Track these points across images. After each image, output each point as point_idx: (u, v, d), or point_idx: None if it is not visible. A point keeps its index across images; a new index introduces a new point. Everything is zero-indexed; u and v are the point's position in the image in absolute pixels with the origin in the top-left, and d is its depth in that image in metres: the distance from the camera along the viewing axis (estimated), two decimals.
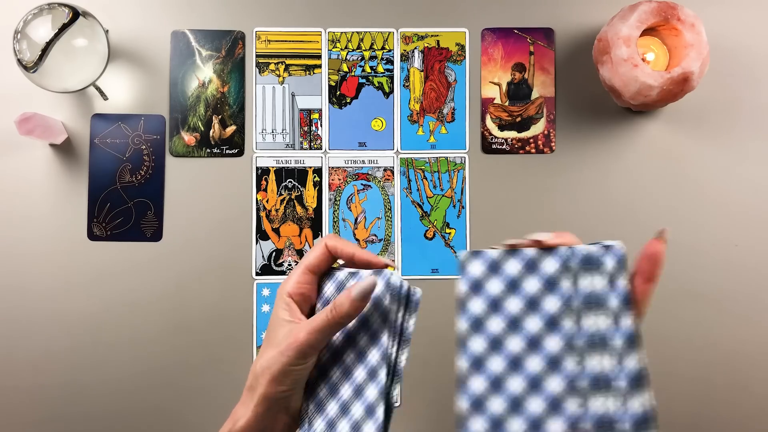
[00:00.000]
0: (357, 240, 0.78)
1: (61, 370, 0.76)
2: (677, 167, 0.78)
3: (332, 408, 0.46)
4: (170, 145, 0.78)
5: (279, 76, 0.79)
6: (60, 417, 0.76)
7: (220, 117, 0.79)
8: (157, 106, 0.79)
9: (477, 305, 0.41)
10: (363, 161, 0.79)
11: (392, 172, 0.79)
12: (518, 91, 0.79)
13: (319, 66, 0.79)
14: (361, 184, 0.79)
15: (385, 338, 0.45)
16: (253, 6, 0.79)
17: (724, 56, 0.78)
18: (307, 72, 0.79)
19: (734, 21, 0.79)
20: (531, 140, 0.79)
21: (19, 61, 0.68)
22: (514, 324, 0.40)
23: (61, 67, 0.70)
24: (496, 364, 0.40)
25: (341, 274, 0.48)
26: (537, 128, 0.79)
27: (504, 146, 0.79)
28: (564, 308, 0.40)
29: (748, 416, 0.76)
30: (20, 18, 0.69)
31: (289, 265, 0.78)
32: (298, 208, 0.79)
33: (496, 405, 0.40)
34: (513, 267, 0.41)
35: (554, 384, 0.39)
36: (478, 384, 0.40)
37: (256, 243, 0.78)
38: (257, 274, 0.78)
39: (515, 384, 0.40)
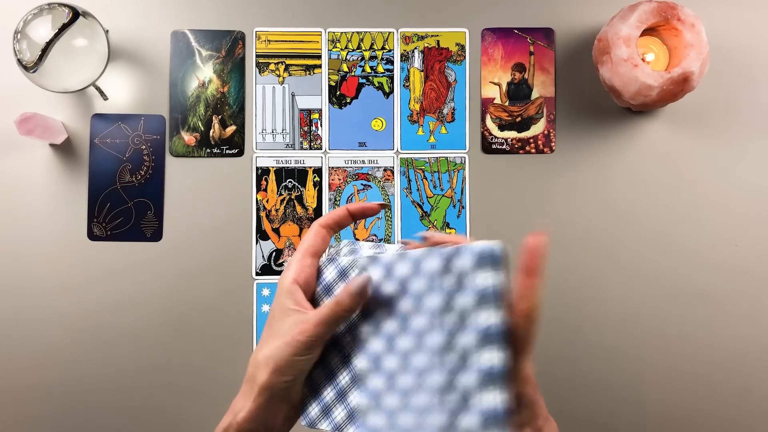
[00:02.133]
0: (357, 240, 0.78)
1: (61, 369, 0.76)
2: (677, 167, 0.78)
3: (329, 394, 0.46)
4: (170, 145, 0.78)
5: (279, 76, 0.79)
6: (60, 415, 0.76)
7: (220, 117, 0.79)
8: (157, 106, 0.79)
9: (378, 308, 0.46)
10: (363, 161, 0.79)
11: (392, 172, 0.79)
12: (518, 91, 0.79)
13: (319, 66, 0.79)
14: (361, 184, 0.79)
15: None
16: (253, 6, 0.79)
17: (724, 56, 0.78)
18: (307, 72, 0.79)
19: (734, 21, 0.79)
20: (531, 140, 0.79)
21: (19, 61, 0.68)
22: (404, 323, 0.44)
23: (61, 67, 0.70)
24: (391, 361, 0.44)
25: (341, 253, 0.48)
26: (537, 128, 0.79)
27: (504, 146, 0.79)
28: (446, 305, 0.41)
29: (749, 416, 0.76)
30: (20, 18, 0.69)
31: (289, 260, 0.78)
32: (298, 208, 0.79)
33: (391, 400, 0.43)
34: (403, 268, 0.44)
35: (436, 378, 0.41)
36: (376, 382, 0.45)
37: (256, 243, 0.78)
38: (257, 274, 0.78)
39: (404, 380, 0.43)
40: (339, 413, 0.45)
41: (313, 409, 0.46)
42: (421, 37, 0.80)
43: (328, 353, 0.47)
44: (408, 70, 0.79)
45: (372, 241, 0.79)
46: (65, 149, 0.78)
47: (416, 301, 0.43)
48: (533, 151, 0.79)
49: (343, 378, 0.46)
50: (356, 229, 0.79)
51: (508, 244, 0.40)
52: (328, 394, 0.46)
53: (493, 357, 0.38)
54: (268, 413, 0.45)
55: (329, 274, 0.47)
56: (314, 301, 0.48)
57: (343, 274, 0.47)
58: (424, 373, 0.41)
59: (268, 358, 0.44)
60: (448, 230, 0.78)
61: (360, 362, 0.45)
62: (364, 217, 0.49)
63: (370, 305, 0.45)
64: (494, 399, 0.38)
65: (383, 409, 0.43)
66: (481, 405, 0.38)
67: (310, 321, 0.44)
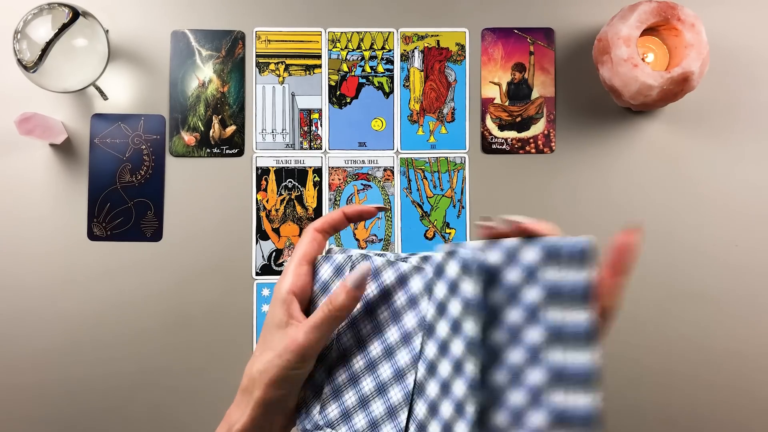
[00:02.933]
0: (357, 240, 0.78)
1: (60, 370, 0.76)
2: (677, 167, 0.78)
3: (350, 398, 0.45)
4: (170, 145, 0.78)
5: (279, 76, 0.79)
6: (60, 415, 0.76)
7: (220, 117, 0.79)
8: (157, 106, 0.79)
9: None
10: (363, 161, 0.79)
11: (392, 172, 0.79)
12: (518, 91, 0.79)
13: (319, 66, 0.79)
14: (361, 184, 0.79)
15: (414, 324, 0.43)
16: (253, 6, 0.79)
17: (724, 56, 0.78)
18: (307, 72, 0.79)
19: (734, 21, 0.79)
20: (531, 140, 0.79)
21: (19, 61, 0.68)
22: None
23: (61, 67, 0.70)
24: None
25: (337, 257, 0.47)
26: (537, 128, 0.79)
27: (504, 146, 0.79)
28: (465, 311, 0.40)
29: (748, 416, 0.76)
30: (20, 18, 0.69)
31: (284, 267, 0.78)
32: (298, 208, 0.79)
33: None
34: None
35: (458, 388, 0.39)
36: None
37: (256, 243, 0.78)
38: (257, 274, 0.78)
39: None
40: (360, 420, 0.45)
41: (333, 411, 0.45)
42: (421, 37, 0.80)
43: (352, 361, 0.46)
44: (408, 70, 0.79)
45: (372, 242, 0.79)
46: (65, 149, 0.78)
47: (513, 294, 0.40)
48: (533, 151, 0.79)
49: (367, 385, 0.45)
50: (356, 229, 0.79)
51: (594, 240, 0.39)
52: (350, 398, 0.45)
53: (593, 355, 0.38)
54: (264, 426, 0.44)
55: (324, 272, 0.47)
56: (312, 303, 0.47)
57: (337, 268, 0.46)
58: (522, 371, 0.39)
59: (263, 372, 0.43)
60: (447, 230, 0.78)
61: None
62: (361, 220, 0.48)
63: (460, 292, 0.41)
64: (593, 399, 0.37)
65: (507, 407, 0.40)
66: (576, 405, 0.37)
67: (302, 329, 0.43)
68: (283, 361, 0.42)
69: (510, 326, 0.39)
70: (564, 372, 0.38)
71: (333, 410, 0.45)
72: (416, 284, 0.43)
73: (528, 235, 0.40)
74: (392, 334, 0.44)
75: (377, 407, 0.44)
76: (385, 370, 0.44)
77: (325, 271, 0.47)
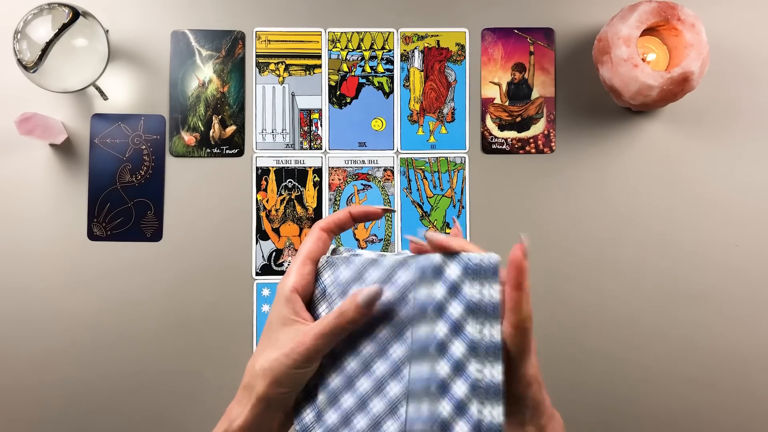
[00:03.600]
0: (357, 240, 0.78)
1: (60, 370, 0.76)
2: (677, 167, 0.78)
3: (348, 400, 0.45)
4: (170, 145, 0.78)
5: (279, 76, 0.79)
6: (60, 415, 0.76)
7: (220, 117, 0.79)
8: (157, 106, 0.79)
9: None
10: (363, 161, 0.79)
11: (392, 172, 0.79)
12: (518, 91, 0.79)
13: (319, 66, 0.79)
14: (361, 184, 0.79)
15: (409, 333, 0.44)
16: (253, 6, 0.79)
17: (724, 56, 0.78)
18: (307, 72, 0.79)
19: (734, 21, 0.79)
20: (531, 140, 0.79)
21: (19, 61, 0.68)
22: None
23: (61, 67, 0.70)
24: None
25: (338, 259, 0.47)
26: (537, 128, 0.79)
27: (504, 146, 0.79)
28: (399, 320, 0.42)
29: (748, 417, 0.76)
30: (20, 18, 0.69)
31: (289, 265, 0.78)
32: (298, 208, 0.79)
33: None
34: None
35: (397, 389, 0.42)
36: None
37: (256, 243, 0.78)
38: (257, 274, 0.78)
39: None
40: (331, 417, 0.45)
41: (331, 417, 0.46)
42: (421, 37, 0.80)
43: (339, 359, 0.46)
44: (408, 70, 0.79)
45: (372, 242, 0.79)
46: (65, 149, 0.78)
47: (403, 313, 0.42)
48: (533, 151, 0.79)
49: (363, 385, 0.45)
50: (356, 229, 0.79)
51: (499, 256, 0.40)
52: (347, 400, 0.45)
53: (494, 371, 0.39)
54: (264, 422, 0.44)
55: (327, 277, 0.47)
56: (312, 306, 0.47)
57: (339, 281, 0.46)
58: (387, 383, 0.42)
59: (266, 369, 0.43)
60: (447, 230, 0.78)
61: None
62: (366, 221, 0.48)
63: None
64: (497, 413, 0.38)
65: (340, 416, 0.43)
66: (482, 417, 0.38)
67: (310, 333, 0.43)
68: (290, 360, 0.43)
69: (438, 337, 0.41)
70: (478, 385, 0.39)
71: (331, 416, 0.45)
72: (402, 278, 0.44)
73: (448, 252, 0.42)
74: (384, 332, 0.44)
75: (376, 405, 0.44)
76: (380, 367, 0.44)
77: (327, 276, 0.47)
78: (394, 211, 0.47)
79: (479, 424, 0.38)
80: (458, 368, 0.39)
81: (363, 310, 0.43)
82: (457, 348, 0.39)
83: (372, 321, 0.45)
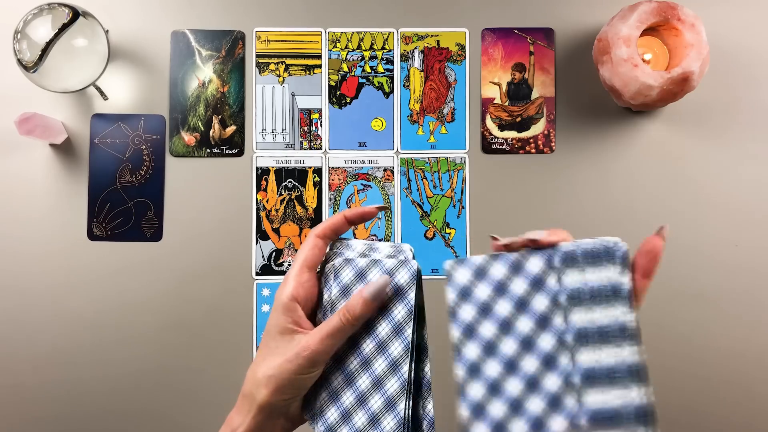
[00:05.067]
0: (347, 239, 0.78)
1: (60, 370, 0.76)
2: (677, 167, 0.78)
3: (347, 399, 0.45)
4: (170, 145, 0.78)
5: (279, 76, 0.79)
6: (60, 416, 0.76)
7: (220, 117, 0.79)
8: (157, 106, 0.79)
9: (467, 312, 0.41)
10: (363, 161, 0.79)
11: (392, 172, 0.79)
12: (518, 91, 0.79)
13: (319, 66, 0.79)
14: (361, 184, 0.79)
15: (405, 325, 0.44)
16: (253, 6, 0.79)
17: (724, 56, 0.78)
18: (307, 72, 0.79)
19: (734, 21, 0.79)
20: (531, 140, 0.79)
21: (19, 61, 0.68)
22: (506, 327, 0.41)
23: (61, 67, 0.70)
24: (492, 368, 0.40)
25: (338, 256, 0.47)
26: (537, 128, 0.79)
27: (504, 146, 0.79)
28: (553, 306, 0.40)
29: (748, 416, 0.76)
30: (20, 18, 0.69)
31: (289, 265, 0.78)
32: (298, 208, 0.79)
33: (497, 409, 0.40)
34: (498, 270, 0.41)
35: (551, 382, 0.39)
36: (476, 390, 0.40)
37: (256, 243, 0.78)
38: (257, 274, 0.78)
39: (513, 386, 0.40)
40: (360, 419, 0.45)
41: (332, 415, 0.45)
42: (421, 37, 0.80)
43: (356, 366, 0.46)
44: (408, 70, 0.79)
45: (372, 240, 0.78)
46: (65, 149, 0.78)
47: (517, 305, 0.41)
48: (533, 151, 0.79)
49: (363, 382, 0.45)
50: (356, 229, 0.79)
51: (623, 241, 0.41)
52: (348, 398, 0.45)
53: (642, 352, 0.39)
54: (266, 429, 0.44)
55: (329, 284, 0.47)
56: (316, 313, 0.47)
57: (345, 288, 0.46)
58: (536, 377, 0.40)
59: (269, 377, 0.43)
60: (447, 230, 0.78)
61: (458, 370, 0.43)
62: (362, 222, 0.48)
63: (456, 309, 0.42)
64: (643, 395, 0.38)
65: (489, 419, 0.40)
66: (634, 402, 0.38)
67: (315, 336, 0.43)
68: (294, 366, 0.42)
69: (521, 336, 0.40)
70: (608, 373, 0.38)
71: (332, 414, 0.45)
72: (402, 277, 0.44)
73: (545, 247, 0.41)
74: (383, 329, 0.44)
75: (375, 402, 0.44)
76: (380, 365, 0.44)
77: (329, 283, 0.47)
78: (388, 208, 0.48)
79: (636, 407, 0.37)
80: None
81: (371, 304, 0.43)
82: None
83: (371, 321, 0.45)
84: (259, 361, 0.44)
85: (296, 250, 0.78)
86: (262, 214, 0.78)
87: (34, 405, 0.76)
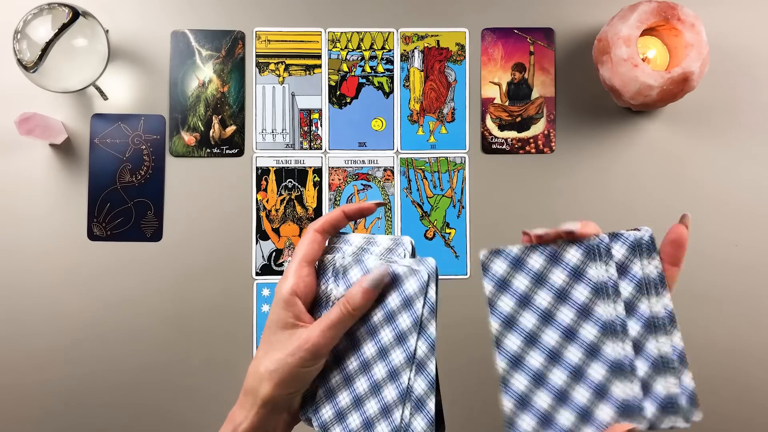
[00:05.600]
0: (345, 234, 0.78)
1: (61, 369, 0.76)
2: (677, 167, 0.78)
3: (345, 399, 0.45)
4: (170, 145, 0.78)
5: (279, 76, 0.79)
6: (60, 415, 0.76)
7: (220, 117, 0.79)
8: (157, 106, 0.79)
9: (506, 303, 0.41)
10: (363, 161, 0.79)
11: (392, 172, 0.79)
12: (518, 91, 0.79)
13: (319, 66, 0.79)
14: (361, 184, 0.79)
15: (408, 323, 0.44)
16: (253, 6, 0.79)
17: (724, 56, 0.78)
18: (307, 72, 0.79)
19: (734, 21, 0.79)
20: (531, 140, 0.79)
21: (19, 61, 0.68)
22: (547, 318, 0.41)
23: (61, 67, 0.70)
24: (535, 359, 0.40)
25: (335, 253, 0.47)
26: (537, 128, 0.79)
27: (504, 146, 0.79)
28: (593, 296, 0.40)
29: (749, 416, 0.76)
30: (20, 18, 0.69)
31: (286, 268, 0.78)
32: (298, 208, 0.79)
33: (542, 400, 0.40)
34: (536, 261, 0.41)
35: (596, 372, 0.39)
36: (519, 382, 0.40)
37: (256, 243, 0.78)
38: (257, 274, 0.78)
39: (557, 377, 0.40)
40: (354, 420, 0.45)
41: (327, 412, 0.45)
42: (421, 37, 0.80)
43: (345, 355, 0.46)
44: (408, 70, 0.79)
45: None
46: (65, 149, 0.78)
47: (557, 295, 0.41)
48: (533, 151, 0.79)
49: (361, 385, 0.45)
50: (356, 229, 0.79)
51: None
52: (344, 399, 0.45)
53: (682, 338, 0.40)
54: (269, 424, 0.44)
55: (327, 278, 0.47)
56: (315, 308, 0.47)
57: (337, 272, 0.46)
58: (581, 367, 0.40)
59: (272, 371, 0.43)
60: (447, 230, 0.78)
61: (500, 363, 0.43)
62: (361, 217, 0.48)
63: (495, 300, 0.42)
64: (690, 379, 0.39)
65: (535, 410, 0.40)
66: (683, 386, 0.39)
67: (316, 329, 0.43)
68: (296, 360, 0.43)
69: (563, 327, 0.41)
70: (663, 359, 0.40)
71: (327, 412, 0.45)
72: (411, 286, 0.44)
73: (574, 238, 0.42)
74: (386, 335, 0.44)
75: (371, 406, 0.44)
76: (380, 370, 0.44)
77: (327, 277, 0.47)
78: (386, 203, 0.48)
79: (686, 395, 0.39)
80: (638, 347, 0.40)
81: (370, 293, 0.43)
82: (633, 328, 0.40)
83: (367, 320, 0.45)
84: (260, 356, 0.44)
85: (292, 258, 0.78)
86: (262, 214, 0.78)
87: (34, 404, 0.76)
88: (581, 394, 0.39)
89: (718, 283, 0.77)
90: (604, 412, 0.39)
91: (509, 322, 0.41)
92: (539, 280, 0.41)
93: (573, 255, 0.41)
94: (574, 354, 0.40)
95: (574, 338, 0.40)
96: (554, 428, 0.39)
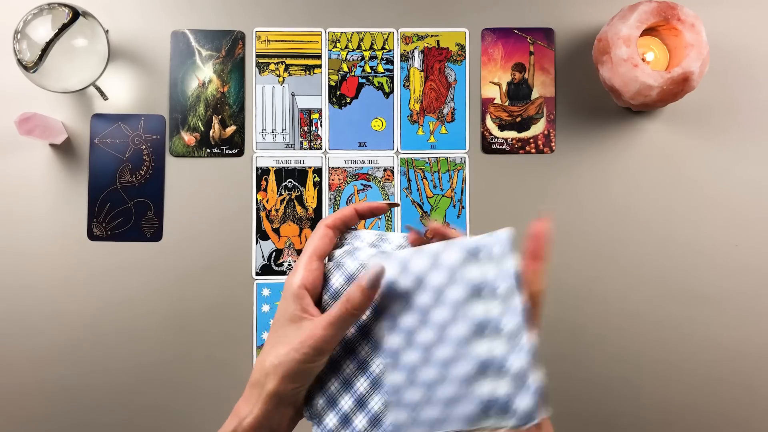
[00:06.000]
0: (357, 229, 0.78)
1: (61, 370, 0.76)
2: (677, 167, 0.78)
3: (346, 402, 0.45)
4: (170, 145, 0.78)
5: (279, 76, 0.79)
6: (60, 416, 0.76)
7: (220, 117, 0.79)
8: (157, 106, 0.79)
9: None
10: (363, 161, 0.79)
11: (392, 172, 0.79)
12: (518, 91, 0.79)
13: (319, 66, 0.79)
14: (361, 184, 0.79)
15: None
16: (253, 6, 0.79)
17: (724, 56, 0.78)
18: (307, 72, 0.79)
19: (734, 21, 0.79)
20: (531, 140, 0.79)
21: (19, 61, 0.68)
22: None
23: (61, 67, 0.70)
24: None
25: (343, 247, 0.48)
26: (537, 128, 0.79)
27: (504, 146, 0.79)
28: (433, 302, 0.42)
29: (749, 416, 0.76)
30: (20, 18, 0.69)
31: (289, 265, 0.78)
32: (298, 208, 0.79)
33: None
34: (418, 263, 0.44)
35: (361, 384, 0.44)
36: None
37: (256, 243, 0.78)
38: (257, 274, 0.78)
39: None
40: (360, 421, 0.45)
41: (330, 420, 0.45)
42: (421, 37, 0.80)
43: (342, 360, 0.46)
44: (408, 70, 0.79)
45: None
46: (65, 149, 0.78)
47: (436, 294, 0.42)
48: (533, 151, 0.79)
49: (362, 384, 0.45)
50: (356, 229, 0.78)
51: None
52: (346, 402, 0.45)
53: (531, 337, 0.40)
54: (275, 418, 0.44)
55: (336, 279, 0.47)
56: (321, 306, 0.47)
57: (351, 278, 0.46)
58: (449, 365, 0.41)
59: (277, 365, 0.43)
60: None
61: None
62: (372, 216, 0.49)
63: (384, 303, 0.44)
64: (540, 378, 0.39)
65: (405, 404, 0.42)
66: (534, 385, 0.39)
67: (319, 325, 0.43)
68: (300, 355, 0.43)
69: (437, 324, 0.42)
70: (491, 363, 0.40)
71: (331, 420, 0.45)
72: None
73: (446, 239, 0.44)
74: (379, 329, 0.45)
75: (375, 403, 0.44)
76: (377, 366, 0.44)
77: (337, 278, 0.47)
78: (398, 204, 0.49)
79: (535, 392, 0.39)
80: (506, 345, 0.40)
81: (368, 292, 0.43)
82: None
83: (375, 311, 0.45)
84: (267, 350, 0.45)
85: (296, 251, 0.78)
86: (262, 214, 0.78)
87: (34, 404, 0.76)
88: (447, 390, 0.41)
89: (718, 283, 0.77)
90: (465, 408, 0.40)
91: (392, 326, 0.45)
92: (419, 281, 0.44)
93: (420, 263, 0.44)
94: (444, 351, 0.42)
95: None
96: (421, 423, 0.42)
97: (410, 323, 0.43)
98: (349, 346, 0.46)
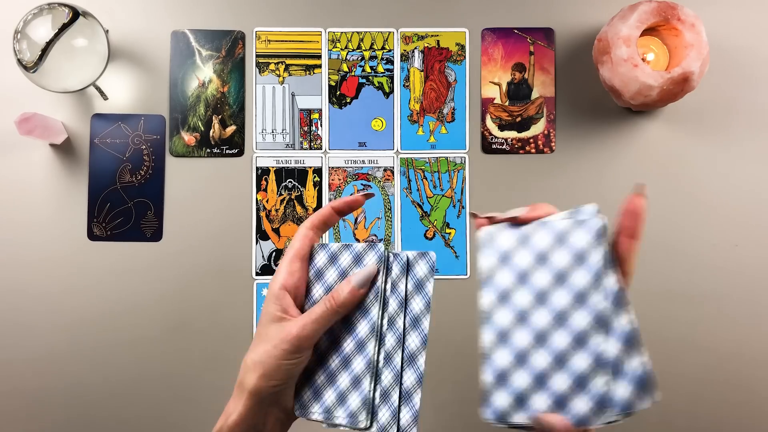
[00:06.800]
0: (357, 240, 0.78)
1: (61, 370, 0.76)
2: (677, 167, 0.78)
3: (330, 396, 0.46)
4: (170, 145, 0.78)
5: (279, 76, 0.79)
6: (60, 417, 0.76)
7: (220, 117, 0.79)
8: (157, 106, 0.79)
9: (505, 278, 0.42)
10: (363, 161, 0.79)
11: (392, 172, 0.79)
12: (518, 91, 0.79)
13: (319, 66, 0.79)
14: (361, 184, 0.79)
15: (376, 319, 0.45)
16: (253, 6, 0.79)
17: (724, 56, 0.78)
18: (307, 72, 0.79)
19: (734, 21, 0.79)
20: (531, 140, 0.79)
21: (19, 61, 0.68)
22: (541, 298, 0.41)
23: (61, 67, 0.70)
24: (522, 338, 0.40)
25: (333, 248, 0.48)
26: (537, 128, 0.79)
27: (504, 146, 0.79)
28: (595, 281, 0.40)
29: (749, 417, 0.76)
30: (20, 18, 0.69)
31: (278, 265, 0.78)
32: (298, 208, 0.79)
33: (522, 380, 0.40)
34: (541, 239, 0.41)
35: (581, 361, 0.39)
36: (503, 358, 0.40)
37: (256, 243, 0.78)
38: (257, 274, 0.78)
39: (541, 359, 0.40)
40: (354, 400, 0.45)
41: (317, 409, 0.46)
42: (421, 37, 0.80)
43: (329, 354, 0.47)
44: (408, 70, 0.79)
45: (372, 241, 0.79)
46: (65, 149, 0.78)
47: (558, 276, 0.41)
48: (533, 151, 0.79)
49: (346, 378, 0.46)
50: (356, 229, 0.79)
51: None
52: (336, 389, 0.46)
53: (632, 320, 0.39)
54: (258, 417, 0.45)
55: (321, 260, 0.48)
56: (308, 294, 0.48)
57: (334, 261, 0.47)
58: (565, 356, 0.39)
59: (256, 363, 0.44)
60: (447, 230, 0.78)
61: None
62: (350, 211, 0.49)
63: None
64: (641, 364, 0.38)
65: (510, 389, 0.40)
66: (637, 368, 0.38)
67: (298, 323, 0.44)
68: (278, 352, 0.44)
69: (556, 310, 0.40)
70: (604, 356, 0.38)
71: (317, 409, 0.46)
72: (420, 271, 0.45)
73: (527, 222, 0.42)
74: (357, 319, 0.46)
75: (343, 380, 0.45)
76: (348, 344, 0.45)
77: (321, 259, 0.48)
78: (373, 195, 0.49)
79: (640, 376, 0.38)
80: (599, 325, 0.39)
81: (357, 291, 0.44)
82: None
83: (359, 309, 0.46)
84: (251, 349, 0.46)
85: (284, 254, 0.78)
86: (262, 214, 0.78)
87: (34, 405, 0.76)
88: (562, 381, 0.39)
89: (718, 284, 0.77)
90: (582, 403, 0.38)
91: (503, 298, 0.41)
92: (541, 259, 0.41)
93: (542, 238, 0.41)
94: (562, 340, 0.39)
95: (565, 324, 0.39)
96: (527, 410, 0.39)
97: (524, 302, 0.40)
98: (335, 340, 0.46)
